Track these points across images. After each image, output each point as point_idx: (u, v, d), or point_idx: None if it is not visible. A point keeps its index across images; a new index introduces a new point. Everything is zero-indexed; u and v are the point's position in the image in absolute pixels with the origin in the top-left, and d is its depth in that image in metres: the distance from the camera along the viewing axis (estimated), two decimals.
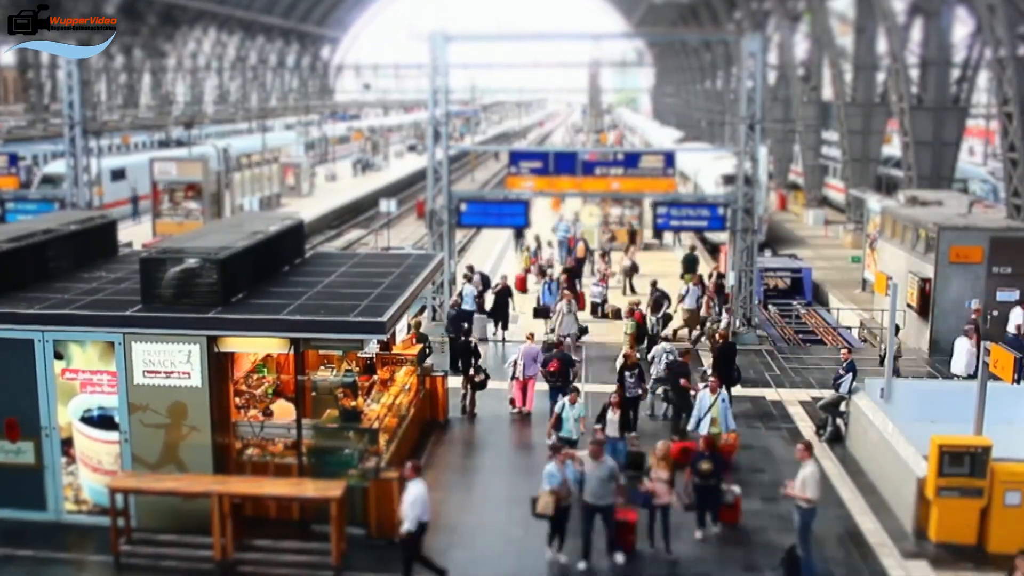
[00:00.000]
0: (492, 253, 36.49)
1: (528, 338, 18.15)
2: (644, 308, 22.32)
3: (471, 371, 17.47)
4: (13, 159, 29.09)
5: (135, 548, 12.08)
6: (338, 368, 15.57)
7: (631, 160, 23.44)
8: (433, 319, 23.70)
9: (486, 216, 24.21)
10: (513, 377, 17.48)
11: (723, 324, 20.04)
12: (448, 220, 23.22)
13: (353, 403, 13.87)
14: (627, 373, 16.34)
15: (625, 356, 16.67)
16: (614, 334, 22.07)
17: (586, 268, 29.66)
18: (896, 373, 18.17)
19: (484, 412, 17.47)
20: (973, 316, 19.74)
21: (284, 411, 14.12)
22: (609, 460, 12.04)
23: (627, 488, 12.35)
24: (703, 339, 21.29)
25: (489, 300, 23.75)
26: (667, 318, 22.76)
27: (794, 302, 28.34)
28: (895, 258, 24.33)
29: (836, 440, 16.06)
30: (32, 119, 61.68)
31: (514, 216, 23.72)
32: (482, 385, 17.46)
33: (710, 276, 25.46)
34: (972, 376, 14.10)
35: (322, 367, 15.72)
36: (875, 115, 42.27)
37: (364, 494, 12.38)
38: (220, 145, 57.36)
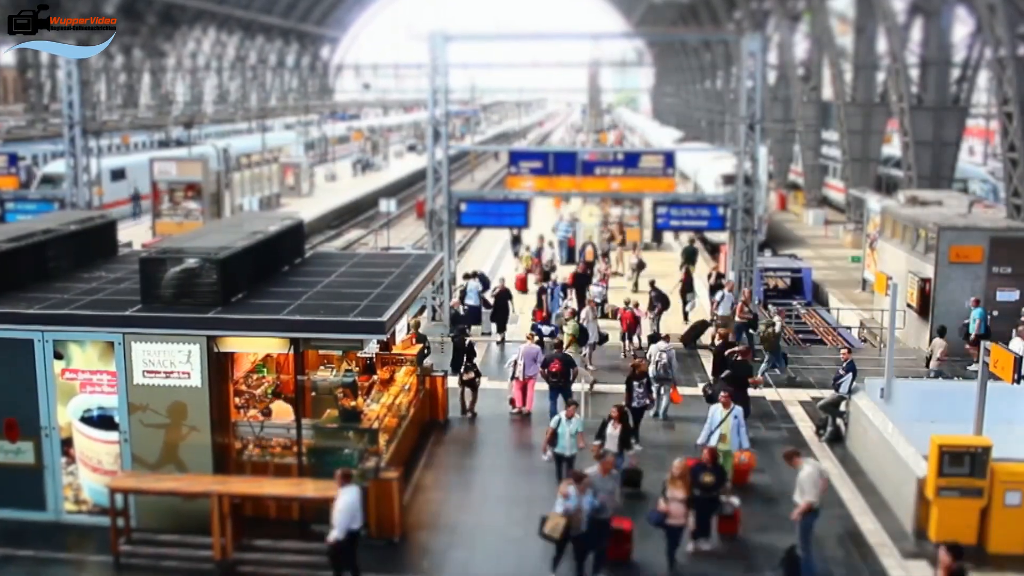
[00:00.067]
0: (492, 253, 36.51)
1: (528, 338, 18.13)
2: (643, 308, 22.34)
3: (462, 369, 17.46)
4: (13, 159, 29.12)
5: (135, 548, 12.09)
6: (338, 368, 15.56)
7: (631, 160, 23.45)
8: (433, 319, 23.71)
9: (486, 216, 24.22)
10: (513, 377, 17.47)
11: (778, 326, 19.87)
12: (448, 220, 23.22)
13: (353, 403, 13.86)
14: (635, 383, 15.81)
15: (633, 365, 16.15)
16: (614, 334, 22.05)
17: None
18: (940, 374, 18.15)
19: (484, 412, 17.46)
20: None
21: (282, 411, 14.13)
22: (615, 473, 11.98)
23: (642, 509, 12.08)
24: (760, 342, 20.65)
25: (489, 302, 23.71)
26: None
27: (794, 302, 28.35)
28: (895, 258, 24.34)
29: (836, 440, 16.05)
30: (32, 119, 61.68)
31: (514, 216, 23.74)
32: (471, 383, 17.39)
33: (709, 276, 25.47)
34: None
35: (322, 367, 15.73)
36: (875, 115, 42.29)
37: (364, 494, 12.35)
38: (220, 145, 57.39)
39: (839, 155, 44.93)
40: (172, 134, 66.85)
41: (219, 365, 12.47)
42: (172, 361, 12.19)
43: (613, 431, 13.67)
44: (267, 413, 14.03)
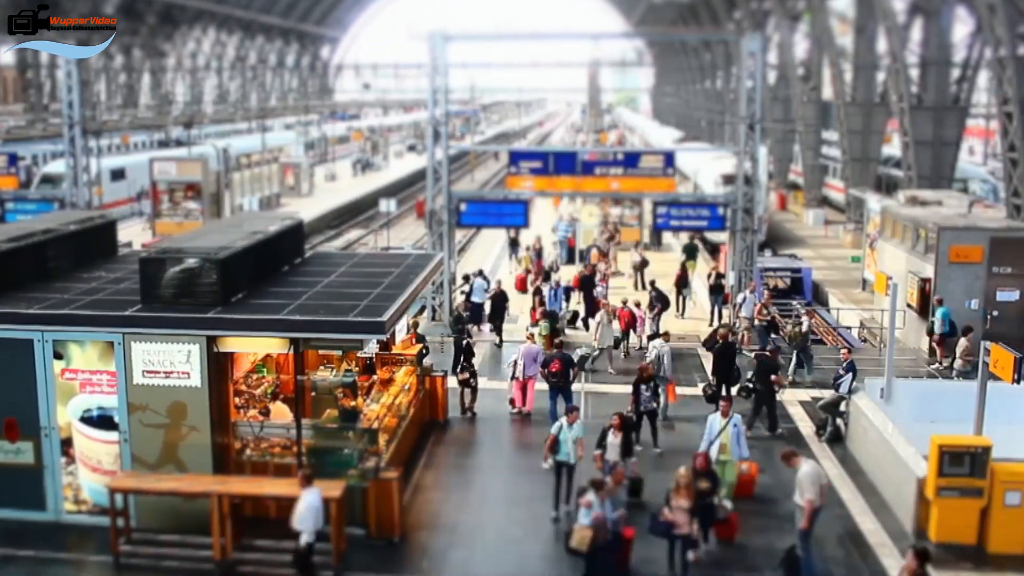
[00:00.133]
0: (492, 253, 36.50)
1: (528, 338, 18.13)
2: (644, 308, 22.33)
3: (458, 369, 17.45)
4: (13, 159, 29.12)
5: (135, 548, 12.09)
6: (338, 368, 15.56)
7: (631, 160, 23.46)
8: (433, 319, 23.70)
9: (486, 216, 24.22)
10: (513, 377, 17.47)
11: (805, 325, 19.86)
12: (448, 220, 23.22)
13: (353, 403, 13.86)
14: (642, 386, 15.54)
15: (641, 368, 15.92)
16: None
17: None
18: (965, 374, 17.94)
19: (484, 412, 17.46)
20: None
21: (281, 411, 14.13)
22: (624, 483, 11.90)
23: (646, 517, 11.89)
24: (788, 341, 20.55)
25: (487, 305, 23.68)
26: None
27: (794, 302, 28.33)
28: (895, 258, 24.34)
29: (836, 440, 16.05)
30: (32, 119, 61.70)
31: (514, 216, 23.74)
32: (467, 383, 17.37)
33: (708, 276, 25.47)
34: None
35: (322, 367, 15.72)
36: (875, 115, 42.28)
37: (364, 494, 12.37)
38: (220, 145, 57.43)
39: (839, 155, 44.92)
40: (172, 134, 66.88)
41: (219, 365, 12.46)
42: (172, 361, 12.18)
43: (614, 439, 13.29)
44: (266, 413, 14.03)
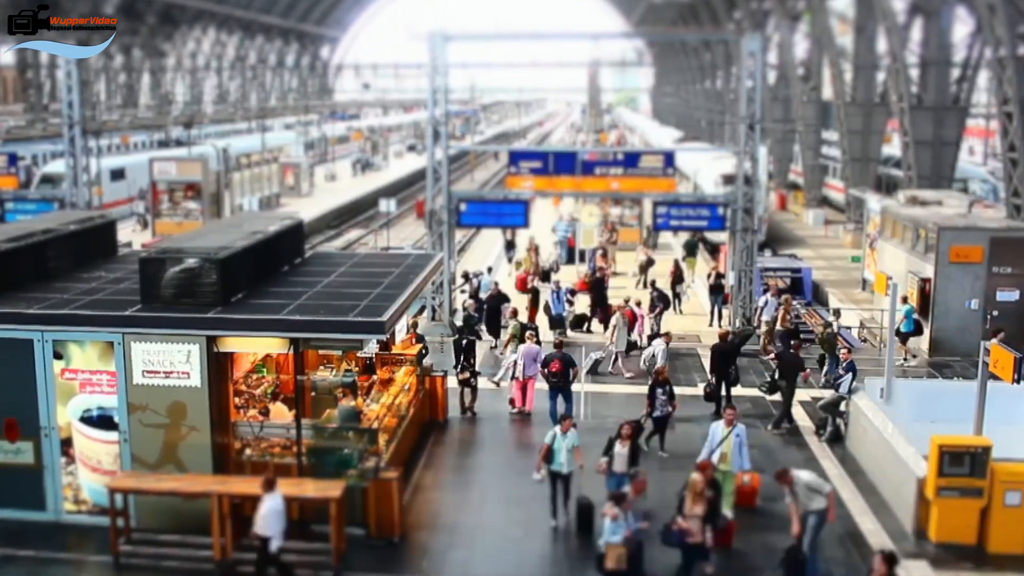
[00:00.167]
0: (492, 253, 36.46)
1: (528, 338, 18.12)
2: (644, 308, 22.32)
3: (458, 369, 17.46)
4: (12, 159, 29.08)
5: (135, 548, 12.08)
6: (338, 368, 15.56)
7: (631, 160, 23.45)
8: (433, 319, 23.70)
9: (486, 216, 24.21)
10: (513, 377, 17.46)
11: (835, 326, 19.83)
12: (448, 220, 23.22)
13: (352, 403, 13.85)
14: (658, 390, 15.31)
15: (656, 372, 15.73)
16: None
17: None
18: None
19: (484, 412, 17.46)
20: None
21: (281, 411, 14.13)
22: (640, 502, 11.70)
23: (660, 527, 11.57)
24: (819, 343, 20.38)
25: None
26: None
27: (794, 302, 28.31)
28: (895, 258, 24.33)
29: (836, 440, 16.04)
30: (31, 119, 61.70)
31: (514, 216, 23.72)
32: (467, 383, 17.35)
33: (708, 276, 25.47)
34: None
35: (322, 367, 15.72)
36: (875, 115, 42.28)
37: (364, 494, 12.37)
38: (220, 145, 57.43)
39: (839, 155, 44.93)
40: (172, 134, 66.88)
41: (219, 365, 12.46)
42: (172, 361, 12.18)
43: (622, 449, 12.85)
44: (265, 413, 14.03)
